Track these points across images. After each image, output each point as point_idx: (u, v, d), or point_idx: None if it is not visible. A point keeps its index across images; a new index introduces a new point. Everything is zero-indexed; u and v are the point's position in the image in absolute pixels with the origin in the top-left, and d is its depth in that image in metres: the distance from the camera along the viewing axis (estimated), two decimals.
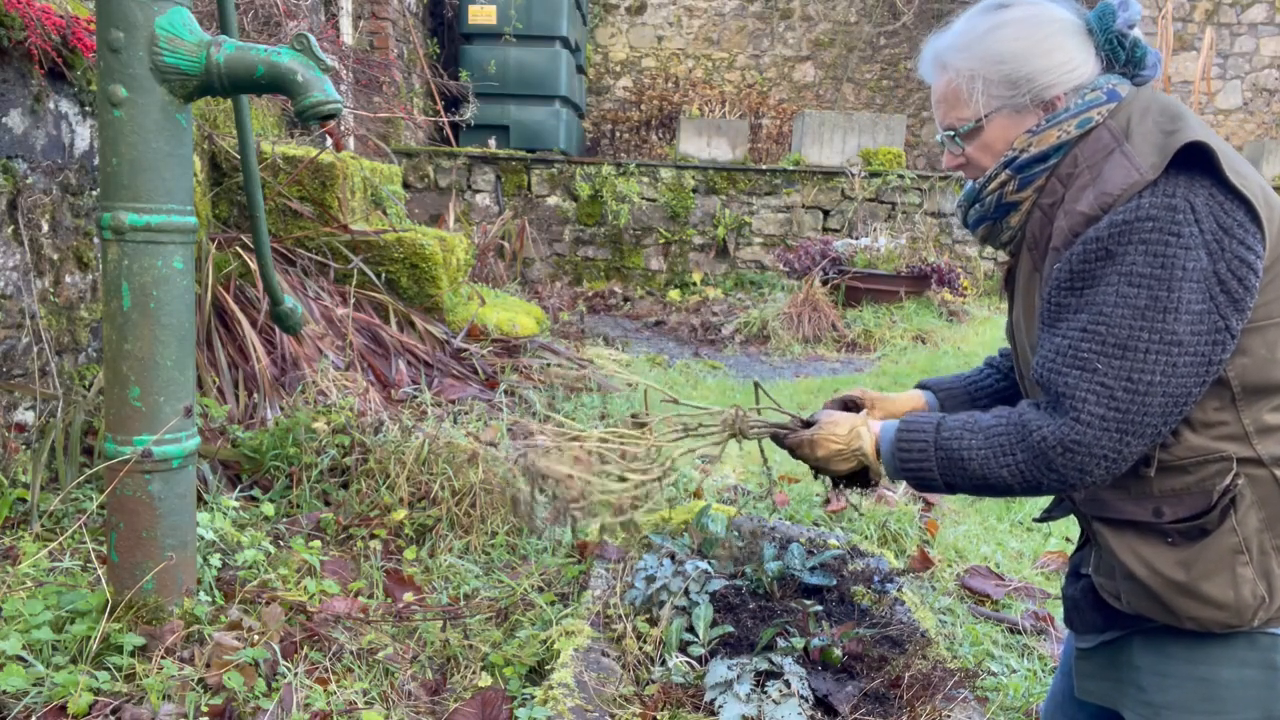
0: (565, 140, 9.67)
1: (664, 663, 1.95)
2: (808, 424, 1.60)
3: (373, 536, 2.69)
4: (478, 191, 9.10)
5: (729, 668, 1.83)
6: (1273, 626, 1.23)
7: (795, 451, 1.57)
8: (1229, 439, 1.22)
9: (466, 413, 3.61)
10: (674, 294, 8.84)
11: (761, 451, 1.73)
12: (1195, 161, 1.18)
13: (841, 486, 1.60)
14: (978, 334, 7.08)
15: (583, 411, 4.20)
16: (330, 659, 2.00)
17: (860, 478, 1.56)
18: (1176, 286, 1.15)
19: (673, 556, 2.34)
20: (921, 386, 1.74)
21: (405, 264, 4.49)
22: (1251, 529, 1.21)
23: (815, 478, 1.64)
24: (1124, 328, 1.18)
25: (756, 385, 1.81)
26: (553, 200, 9.18)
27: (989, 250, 8.83)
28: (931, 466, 1.35)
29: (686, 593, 2.09)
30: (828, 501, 3.34)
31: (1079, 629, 1.44)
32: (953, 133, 1.40)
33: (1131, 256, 1.16)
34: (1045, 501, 1.53)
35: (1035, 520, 1.63)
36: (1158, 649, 1.32)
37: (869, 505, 3.26)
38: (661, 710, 1.79)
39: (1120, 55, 1.30)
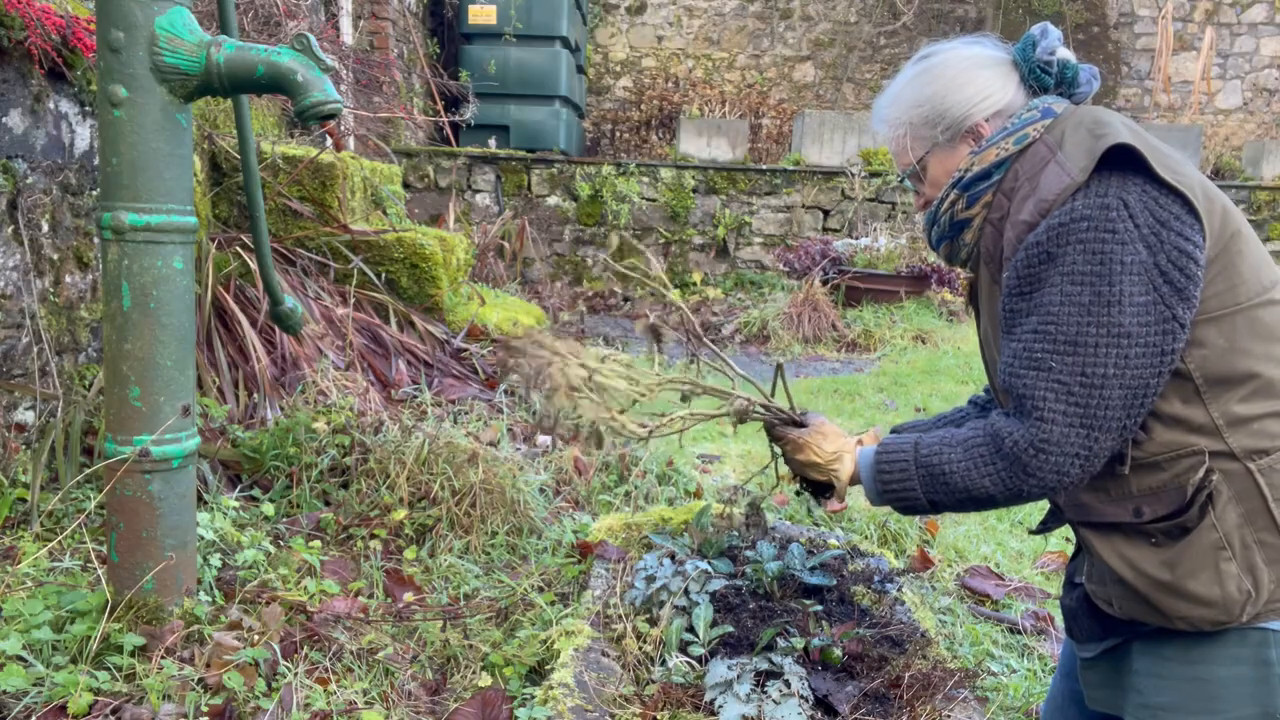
0: (565, 140, 9.67)
1: (664, 663, 1.95)
2: (799, 424, 1.64)
3: (373, 536, 2.69)
4: (478, 191, 9.10)
5: (729, 668, 1.83)
6: (1263, 621, 1.24)
7: (779, 444, 1.64)
8: (1198, 432, 1.23)
9: (466, 413, 3.61)
10: (675, 294, 8.83)
11: (772, 449, 1.73)
12: (1125, 162, 1.23)
13: (804, 488, 1.65)
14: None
15: None
16: (330, 659, 2.00)
17: (824, 489, 1.60)
18: (1117, 280, 1.18)
19: (673, 556, 2.34)
20: (895, 432, 1.76)
21: (405, 264, 4.49)
22: (1232, 524, 1.22)
23: (787, 470, 1.69)
24: (1071, 324, 1.21)
25: (779, 369, 1.79)
26: (553, 200, 9.18)
27: None
28: (914, 485, 1.38)
29: (686, 593, 2.09)
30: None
31: (1079, 638, 1.45)
32: (902, 178, 1.51)
33: (1071, 256, 1.21)
34: (1040, 508, 1.54)
35: (1031, 532, 1.65)
36: (1153, 652, 1.32)
37: (821, 513, 3.26)
38: (661, 710, 1.79)
39: (1047, 80, 1.38)
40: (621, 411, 1.69)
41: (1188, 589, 1.23)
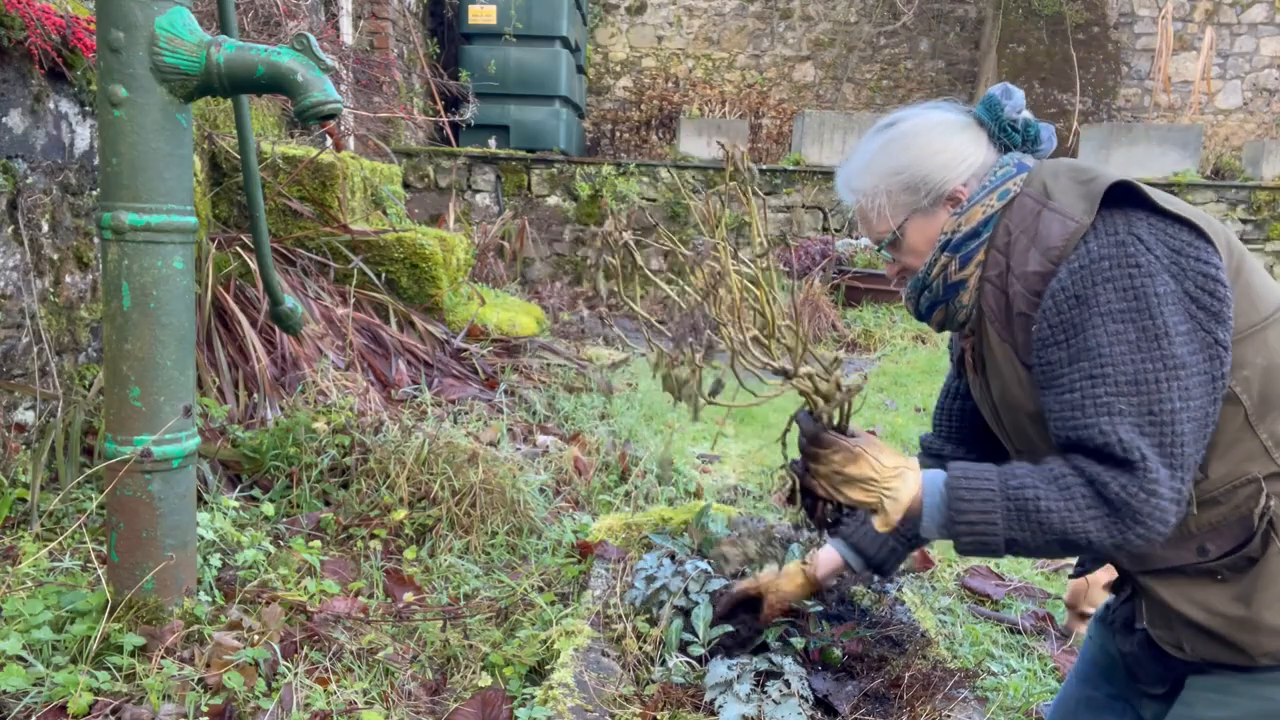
0: (565, 140, 9.67)
1: (664, 663, 1.95)
2: (840, 429, 1.44)
3: (373, 536, 2.69)
4: (478, 191, 9.10)
5: (729, 668, 1.83)
6: None
7: (822, 449, 1.40)
8: (1250, 458, 1.21)
9: (466, 413, 3.61)
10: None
11: (794, 466, 1.51)
12: (1124, 200, 1.23)
13: (815, 514, 1.46)
14: None
15: (583, 411, 4.20)
16: (330, 659, 2.00)
17: (830, 510, 1.45)
18: (1157, 313, 1.16)
19: (673, 556, 2.34)
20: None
21: (405, 264, 4.48)
22: None
23: (794, 494, 1.49)
24: (1127, 363, 1.17)
25: (836, 363, 1.51)
26: (553, 200, 9.18)
27: None
28: (996, 520, 1.24)
29: (686, 593, 2.09)
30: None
31: (1145, 681, 1.42)
32: (879, 247, 1.47)
33: (1104, 296, 1.18)
34: None
35: (1071, 577, 1.59)
36: (1220, 673, 1.30)
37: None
38: (661, 710, 1.79)
39: (1016, 138, 1.39)
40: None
41: (1265, 621, 1.21)
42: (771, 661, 1.86)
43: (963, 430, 1.65)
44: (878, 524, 1.37)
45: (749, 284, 1.45)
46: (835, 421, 1.45)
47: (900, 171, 1.39)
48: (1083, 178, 1.28)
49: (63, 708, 1.68)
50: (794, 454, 1.51)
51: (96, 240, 3.01)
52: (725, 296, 1.43)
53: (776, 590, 1.94)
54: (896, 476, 1.35)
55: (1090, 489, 1.20)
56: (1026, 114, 1.40)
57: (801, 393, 1.45)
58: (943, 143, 1.39)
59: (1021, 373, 1.32)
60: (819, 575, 1.89)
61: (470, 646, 2.18)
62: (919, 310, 1.46)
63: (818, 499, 1.46)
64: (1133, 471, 1.17)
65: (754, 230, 1.49)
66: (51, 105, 2.80)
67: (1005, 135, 1.39)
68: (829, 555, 1.87)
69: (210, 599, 2.16)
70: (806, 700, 1.76)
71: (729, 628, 2.01)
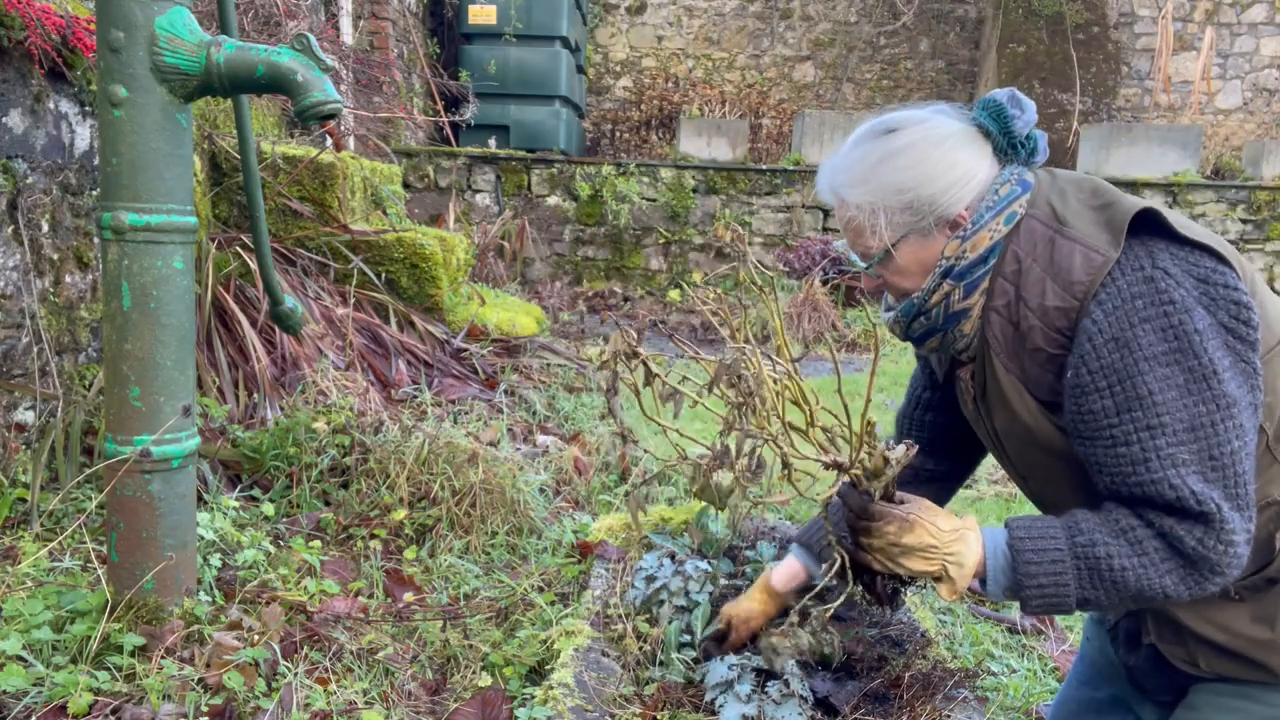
0: (565, 140, 9.67)
1: (664, 663, 1.95)
2: (887, 497, 1.33)
3: (373, 536, 2.69)
4: (478, 191, 9.10)
5: (729, 668, 1.83)
6: None
7: (873, 523, 1.30)
8: (1272, 482, 1.20)
9: (466, 413, 3.61)
10: (674, 294, 8.84)
11: (839, 542, 1.41)
12: (1142, 228, 1.18)
13: (874, 588, 1.36)
14: None
15: (583, 411, 4.20)
16: (330, 659, 2.00)
17: (889, 583, 1.34)
18: (1201, 350, 1.12)
19: (673, 556, 2.34)
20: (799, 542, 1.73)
21: (405, 264, 4.49)
22: None
23: (848, 569, 1.38)
24: (1180, 410, 1.13)
25: (868, 424, 1.35)
26: (553, 200, 9.18)
27: None
28: (1069, 580, 1.19)
29: (686, 593, 2.09)
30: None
31: (1153, 691, 1.40)
32: (866, 264, 1.37)
33: (1145, 339, 1.13)
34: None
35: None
36: (1233, 684, 1.29)
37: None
38: (661, 710, 1.79)
39: (1022, 154, 1.30)
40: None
41: None
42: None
43: (934, 441, 1.59)
44: (944, 593, 1.29)
45: (785, 382, 1.36)
46: (881, 492, 1.34)
47: (904, 191, 1.29)
48: (1096, 202, 1.22)
49: (63, 708, 1.68)
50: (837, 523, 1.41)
51: (96, 240, 3.01)
52: (759, 403, 1.34)
53: (737, 613, 1.84)
54: (958, 540, 1.27)
55: (1163, 542, 1.16)
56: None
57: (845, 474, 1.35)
58: (953, 159, 1.28)
59: (1031, 404, 1.26)
60: (776, 585, 1.79)
61: (470, 646, 2.18)
62: (909, 334, 1.39)
63: (875, 574, 1.36)
64: (1209, 524, 1.13)
65: (777, 332, 1.39)
66: (51, 105, 2.80)
67: (1013, 151, 1.30)
68: (787, 564, 1.79)
69: (210, 599, 2.16)
70: (806, 700, 1.76)
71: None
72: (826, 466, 1.34)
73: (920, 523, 1.28)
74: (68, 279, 2.91)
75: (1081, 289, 1.18)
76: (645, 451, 1.69)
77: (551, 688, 1.82)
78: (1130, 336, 1.14)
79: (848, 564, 1.38)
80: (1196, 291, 1.14)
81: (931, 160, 1.28)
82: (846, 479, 1.35)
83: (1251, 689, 1.26)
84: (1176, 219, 1.19)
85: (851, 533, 1.35)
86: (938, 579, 1.29)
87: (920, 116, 1.33)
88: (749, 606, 1.85)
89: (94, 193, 3.00)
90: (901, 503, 1.33)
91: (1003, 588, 1.25)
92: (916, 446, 1.33)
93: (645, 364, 1.39)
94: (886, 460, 1.32)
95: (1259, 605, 1.21)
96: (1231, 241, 8.97)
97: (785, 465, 1.34)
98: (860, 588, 1.39)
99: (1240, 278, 1.17)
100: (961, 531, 1.28)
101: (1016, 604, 1.27)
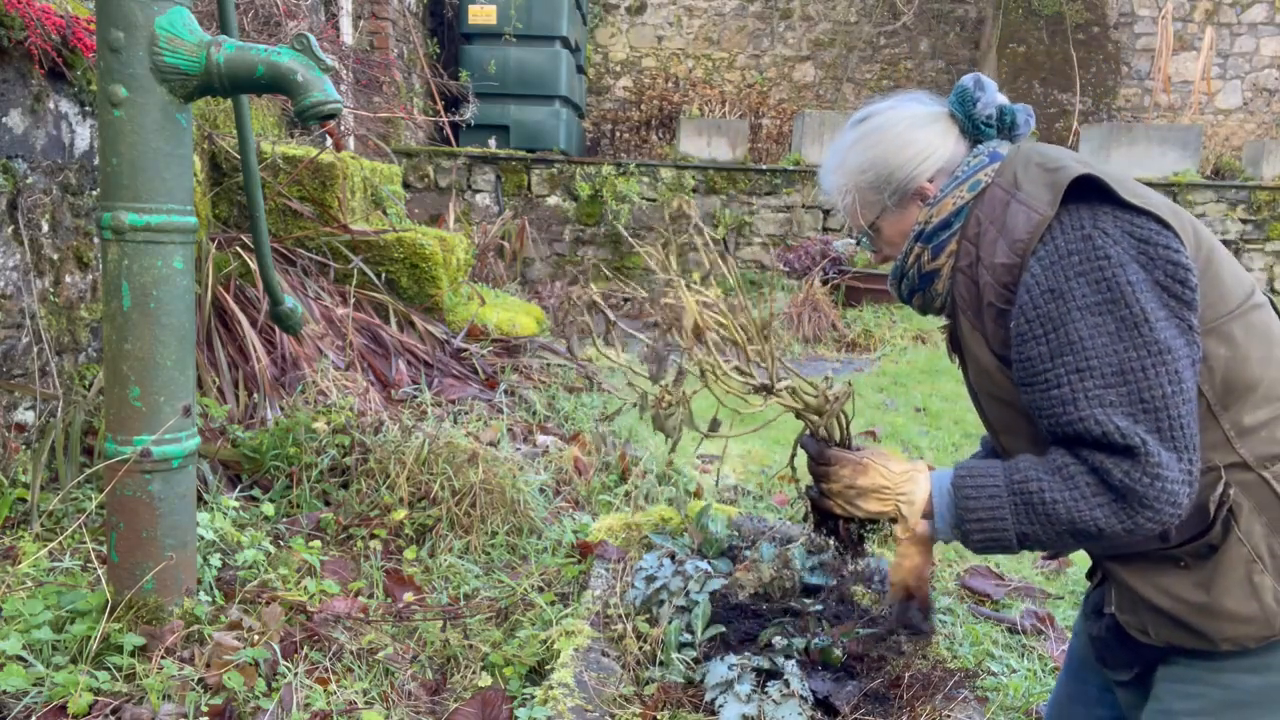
0: (565, 140, 9.67)
1: (664, 663, 1.95)
2: (843, 444, 1.46)
3: (373, 536, 2.69)
4: (478, 191, 9.10)
5: (729, 668, 1.83)
6: None
7: (829, 467, 1.43)
8: (1212, 447, 1.22)
9: (466, 413, 3.61)
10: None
11: (792, 463, 1.57)
12: (1088, 192, 1.23)
13: (835, 531, 1.47)
14: None
15: (583, 411, 4.20)
16: (330, 659, 2.00)
17: (854, 528, 1.44)
18: (1133, 300, 1.17)
19: (673, 556, 2.34)
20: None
21: (405, 264, 4.49)
22: (1258, 536, 1.21)
23: (809, 510, 1.51)
24: (1110, 355, 1.18)
25: (828, 380, 1.52)
26: (553, 200, 9.18)
27: None
28: (1005, 515, 1.25)
29: (686, 593, 2.09)
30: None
31: (1112, 666, 1.43)
32: (858, 240, 1.51)
33: (1078, 290, 1.19)
34: None
35: (1045, 556, 1.59)
36: (1180, 660, 1.31)
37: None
38: (661, 710, 1.79)
39: (990, 133, 1.39)
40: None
41: (1225, 608, 1.21)
42: (772, 661, 1.86)
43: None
44: (899, 532, 1.38)
45: (707, 306, 1.49)
46: (837, 437, 1.47)
47: (866, 169, 1.41)
48: (1050, 166, 1.28)
49: (63, 708, 1.68)
50: (805, 478, 1.51)
51: (96, 240, 3.01)
52: (689, 322, 1.47)
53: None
54: (908, 480, 1.37)
55: (1094, 476, 1.21)
56: (1001, 100, 1.40)
57: (791, 410, 1.47)
58: (908, 138, 1.40)
59: (990, 359, 1.33)
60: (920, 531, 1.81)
61: (470, 646, 2.18)
62: (901, 294, 1.49)
63: (838, 519, 1.47)
64: (1134, 457, 1.17)
65: (703, 256, 1.54)
66: (51, 105, 2.80)
67: (977, 131, 1.39)
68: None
69: (210, 599, 2.16)
70: (806, 700, 1.76)
71: (723, 628, 2.02)
72: (754, 390, 1.46)
73: (873, 465, 1.39)
74: (68, 279, 2.91)
75: (1022, 245, 1.24)
76: (609, 391, 1.75)
77: (551, 688, 1.82)
78: (1066, 288, 1.20)
79: (811, 511, 1.49)
80: (1134, 250, 1.19)
81: (887, 140, 1.41)
82: (807, 431, 1.47)
83: (1203, 671, 1.28)
84: (1125, 185, 1.24)
85: (814, 479, 1.46)
86: (893, 520, 1.38)
87: (888, 105, 1.46)
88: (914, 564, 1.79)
89: (94, 193, 3.00)
90: (857, 449, 1.45)
91: (949, 525, 1.32)
92: (850, 383, 1.47)
93: (603, 311, 1.58)
94: (827, 398, 1.45)
95: (1200, 571, 1.23)
96: (1231, 241, 8.97)
97: (702, 374, 1.47)
98: (830, 536, 1.50)
99: (1183, 243, 1.20)
100: (911, 473, 1.37)
101: (967, 548, 1.32)
